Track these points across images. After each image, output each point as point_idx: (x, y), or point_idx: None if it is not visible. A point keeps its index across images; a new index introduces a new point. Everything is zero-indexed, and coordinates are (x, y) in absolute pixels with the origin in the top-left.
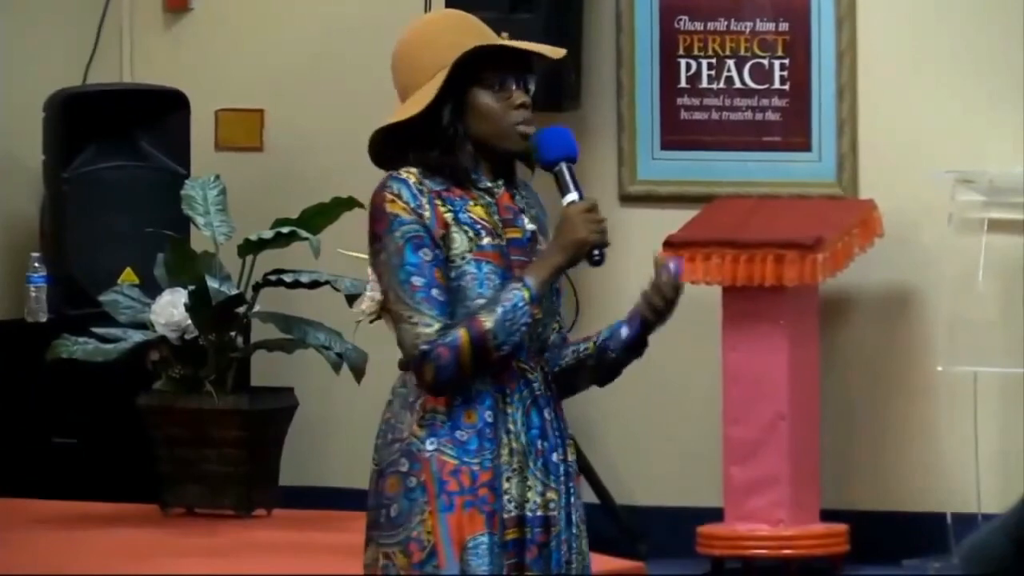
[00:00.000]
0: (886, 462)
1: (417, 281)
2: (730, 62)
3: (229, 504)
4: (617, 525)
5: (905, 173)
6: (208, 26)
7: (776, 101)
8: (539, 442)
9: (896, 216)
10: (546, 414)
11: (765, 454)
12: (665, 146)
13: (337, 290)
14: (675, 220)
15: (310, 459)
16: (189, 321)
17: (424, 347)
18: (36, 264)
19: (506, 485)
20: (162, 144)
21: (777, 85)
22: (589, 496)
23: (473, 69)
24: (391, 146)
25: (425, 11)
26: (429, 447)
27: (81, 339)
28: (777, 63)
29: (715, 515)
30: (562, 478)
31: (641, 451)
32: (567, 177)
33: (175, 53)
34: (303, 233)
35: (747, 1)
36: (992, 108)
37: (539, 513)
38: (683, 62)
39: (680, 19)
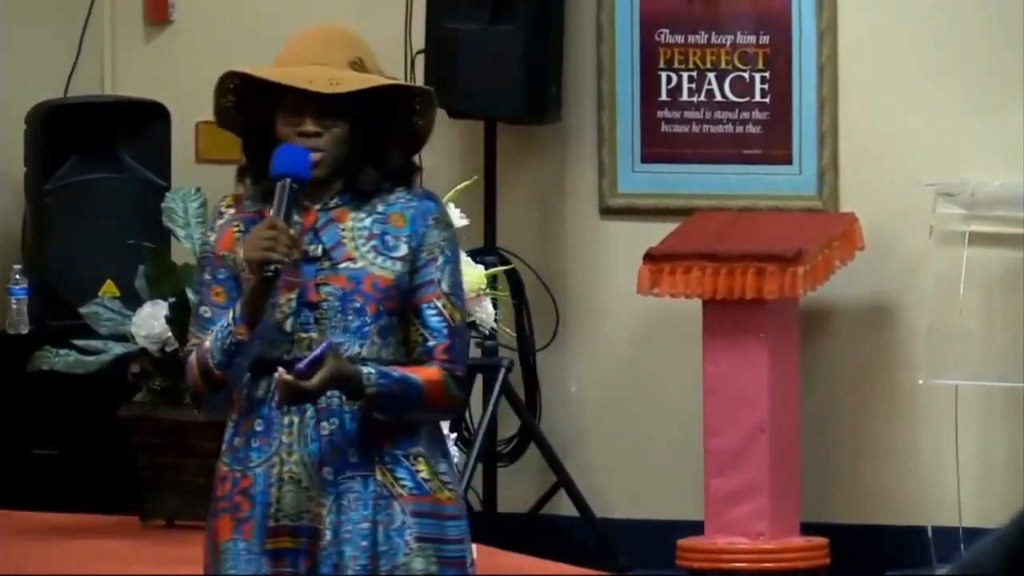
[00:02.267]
0: (867, 475)
1: (194, 299)
2: (711, 75)
3: None
4: (596, 538)
5: (886, 186)
6: (189, 38)
7: (757, 114)
8: (315, 456)
9: (877, 229)
10: (325, 428)
11: (745, 466)
12: (645, 159)
13: None
14: (655, 233)
15: None
16: (170, 333)
17: (183, 361)
18: (18, 276)
19: (276, 494)
20: (143, 156)
21: (758, 98)
22: (569, 509)
23: (277, 93)
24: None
25: (406, 24)
26: (221, 454)
27: (62, 351)
28: (758, 76)
29: (696, 528)
30: (369, 496)
31: (621, 464)
32: (276, 194)
33: (156, 65)
34: None
35: (728, 14)
36: (973, 121)
37: (311, 524)
38: (664, 75)
39: (661, 32)
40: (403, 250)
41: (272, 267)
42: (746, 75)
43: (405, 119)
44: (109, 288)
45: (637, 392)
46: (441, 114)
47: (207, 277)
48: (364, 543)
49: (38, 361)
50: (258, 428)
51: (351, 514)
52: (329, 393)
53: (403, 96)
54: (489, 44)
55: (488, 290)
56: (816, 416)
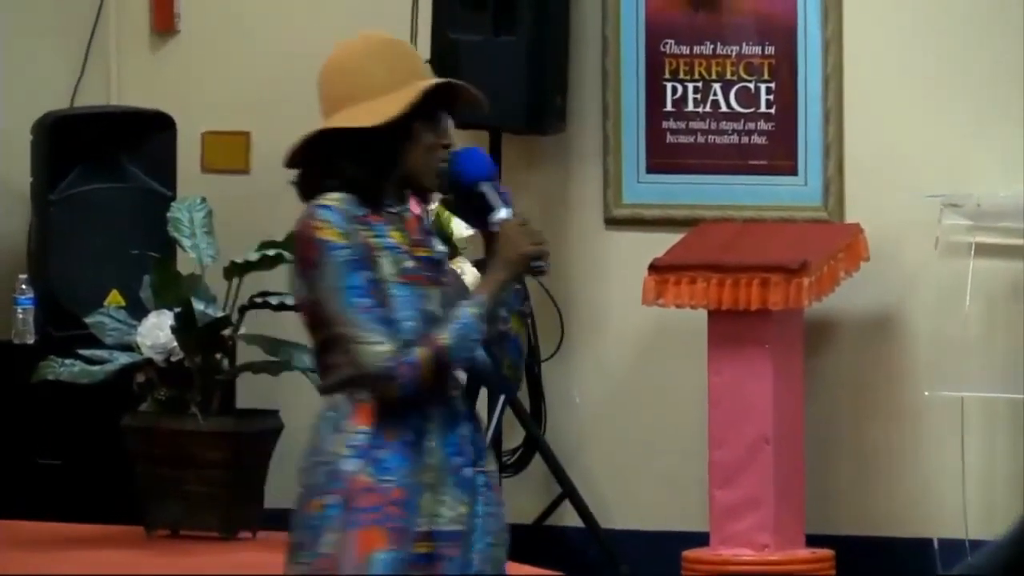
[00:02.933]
0: (871, 487)
1: (365, 302)
2: (716, 86)
3: (214, 526)
4: (601, 549)
5: (891, 197)
6: (195, 49)
7: (762, 125)
8: (455, 458)
9: (882, 240)
10: (463, 430)
11: (749, 477)
12: (651, 169)
13: None
14: (660, 243)
15: (295, 481)
16: (175, 343)
17: (387, 365)
18: (23, 286)
19: (419, 501)
20: (149, 166)
21: (763, 109)
22: (574, 520)
23: (425, 104)
24: (314, 156)
25: (411, 35)
26: (351, 467)
27: (67, 361)
28: (763, 87)
29: (701, 539)
30: (480, 489)
31: (626, 474)
32: (493, 195)
33: (162, 75)
34: (289, 255)
35: (733, 25)
36: (979, 132)
37: (449, 528)
38: (669, 85)
39: (666, 42)
40: None
41: (541, 264)
42: (751, 86)
43: None
44: (114, 298)
45: (642, 403)
46: None
47: (367, 281)
48: (488, 538)
49: (43, 371)
50: (408, 438)
51: (476, 508)
52: (457, 395)
53: None
54: (493, 55)
55: None
56: (821, 427)
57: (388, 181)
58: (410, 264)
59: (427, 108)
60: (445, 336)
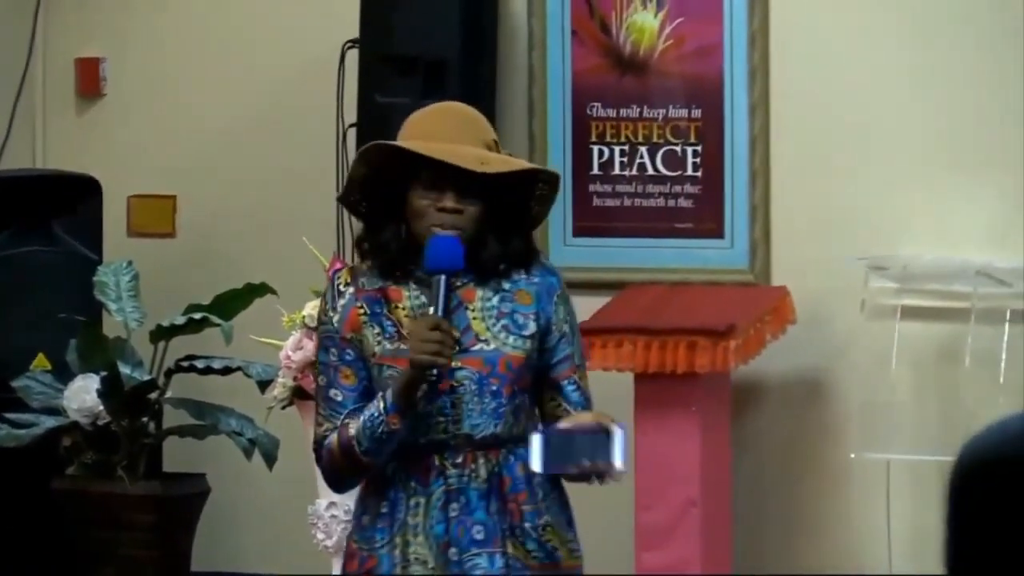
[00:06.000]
0: (798, 549)
1: (321, 380)
2: (643, 149)
3: None
4: None
5: (818, 260)
6: (121, 112)
7: (688, 188)
8: (442, 537)
9: (809, 303)
10: (453, 509)
11: (677, 540)
12: (577, 232)
13: (249, 376)
14: (587, 307)
15: (222, 545)
16: (101, 407)
17: (314, 446)
18: None
19: (398, 572)
20: (75, 230)
21: (690, 172)
22: None
23: (415, 167)
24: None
25: (337, 98)
26: (352, 530)
27: None
28: (690, 150)
29: None
30: (497, 572)
31: None
32: (434, 290)
33: (88, 139)
34: (215, 319)
35: (660, 88)
36: (906, 195)
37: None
38: (596, 148)
39: (593, 106)
40: (532, 328)
41: (437, 371)
42: (678, 149)
43: (523, 201)
44: (41, 362)
45: None
46: None
47: (333, 359)
48: None
49: None
50: (384, 509)
51: None
52: (457, 472)
53: (526, 179)
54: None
55: None
56: (748, 490)
57: (396, 251)
58: (391, 347)
59: (421, 171)
60: (353, 427)
